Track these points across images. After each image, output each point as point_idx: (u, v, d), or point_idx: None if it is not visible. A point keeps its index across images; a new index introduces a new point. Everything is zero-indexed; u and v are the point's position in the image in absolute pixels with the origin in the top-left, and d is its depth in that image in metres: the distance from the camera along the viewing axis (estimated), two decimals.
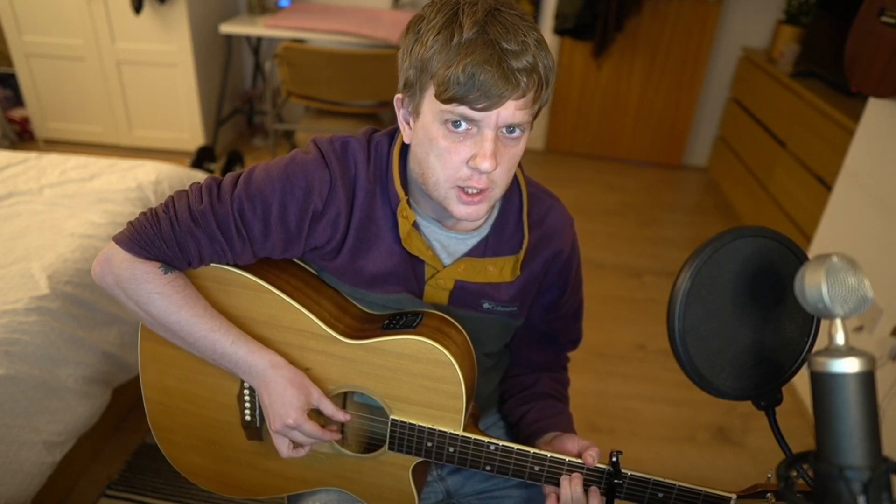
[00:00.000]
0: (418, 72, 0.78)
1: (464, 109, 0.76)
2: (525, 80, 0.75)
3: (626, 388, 2.29)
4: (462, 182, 0.82)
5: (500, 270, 0.96)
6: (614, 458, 0.90)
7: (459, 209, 0.84)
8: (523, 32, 0.75)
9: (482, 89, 0.74)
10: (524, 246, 0.96)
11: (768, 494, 0.86)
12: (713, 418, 2.17)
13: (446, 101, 0.76)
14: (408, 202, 0.91)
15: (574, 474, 0.91)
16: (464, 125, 0.78)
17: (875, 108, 2.04)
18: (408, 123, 0.86)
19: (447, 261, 0.96)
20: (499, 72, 0.73)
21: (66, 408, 1.51)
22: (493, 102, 0.75)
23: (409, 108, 0.84)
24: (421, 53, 0.77)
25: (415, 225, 0.92)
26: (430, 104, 0.79)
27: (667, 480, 0.89)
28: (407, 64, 0.80)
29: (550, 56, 0.79)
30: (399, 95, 0.85)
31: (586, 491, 0.91)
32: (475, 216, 0.85)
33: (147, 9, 3.34)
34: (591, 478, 0.92)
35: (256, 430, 1.02)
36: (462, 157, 0.80)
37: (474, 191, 0.82)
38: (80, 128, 3.77)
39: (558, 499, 0.92)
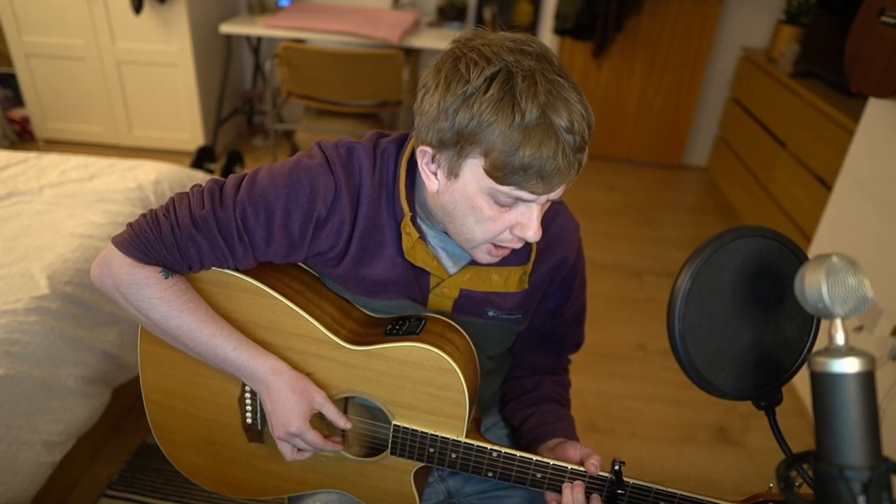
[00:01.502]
0: (461, 137, 0.75)
1: (520, 193, 0.76)
2: (582, 159, 0.75)
3: (627, 389, 2.29)
4: (500, 241, 0.84)
5: (506, 280, 0.95)
6: (617, 468, 0.89)
7: (485, 258, 0.87)
8: (576, 104, 0.73)
9: (544, 179, 0.74)
10: (532, 258, 0.95)
11: None
12: (713, 418, 2.17)
13: (502, 184, 0.75)
14: (412, 218, 0.89)
15: (576, 482, 0.90)
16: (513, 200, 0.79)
17: (875, 108, 2.04)
18: (435, 175, 0.82)
19: (452, 269, 0.95)
20: (564, 162, 0.73)
21: (66, 408, 1.51)
22: (551, 188, 0.76)
23: (443, 167, 0.80)
24: (470, 123, 0.73)
25: (421, 235, 0.91)
26: (474, 173, 0.77)
27: (669, 489, 0.89)
28: (446, 124, 0.75)
29: (590, 110, 0.76)
30: (427, 149, 0.80)
31: (588, 498, 0.91)
32: (497, 260, 0.88)
33: (147, 9, 3.34)
34: (594, 486, 0.91)
35: (258, 432, 1.01)
36: (506, 224, 0.81)
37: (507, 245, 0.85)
38: (80, 128, 3.77)
39: None
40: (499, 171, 0.74)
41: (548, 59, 0.75)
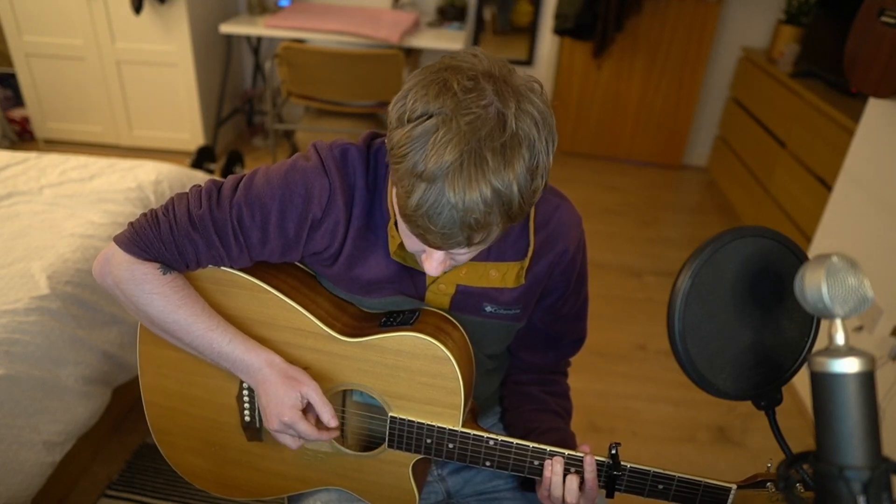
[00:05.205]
0: (391, 155, 0.73)
1: (415, 235, 0.75)
2: (468, 235, 0.71)
3: (626, 388, 2.29)
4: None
5: (503, 276, 0.94)
6: (613, 451, 0.90)
7: (424, 267, 0.83)
8: (486, 189, 0.67)
9: (427, 234, 0.72)
10: (529, 253, 0.94)
11: (768, 484, 0.86)
12: (713, 418, 2.17)
13: (403, 221, 0.75)
14: (395, 222, 0.88)
15: (555, 457, 0.91)
16: None
17: (875, 108, 2.04)
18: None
19: None
20: (446, 232, 0.70)
21: (66, 408, 1.51)
22: (439, 247, 0.74)
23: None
24: (394, 147, 0.72)
25: None
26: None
27: (667, 472, 0.89)
28: (389, 141, 0.74)
29: (519, 197, 0.70)
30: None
31: (565, 475, 0.91)
32: (438, 274, 0.84)
33: (147, 9, 3.34)
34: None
35: (256, 430, 1.02)
36: (420, 247, 0.79)
37: None
38: (80, 128, 3.77)
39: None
40: (399, 210, 0.73)
41: (503, 125, 0.68)
